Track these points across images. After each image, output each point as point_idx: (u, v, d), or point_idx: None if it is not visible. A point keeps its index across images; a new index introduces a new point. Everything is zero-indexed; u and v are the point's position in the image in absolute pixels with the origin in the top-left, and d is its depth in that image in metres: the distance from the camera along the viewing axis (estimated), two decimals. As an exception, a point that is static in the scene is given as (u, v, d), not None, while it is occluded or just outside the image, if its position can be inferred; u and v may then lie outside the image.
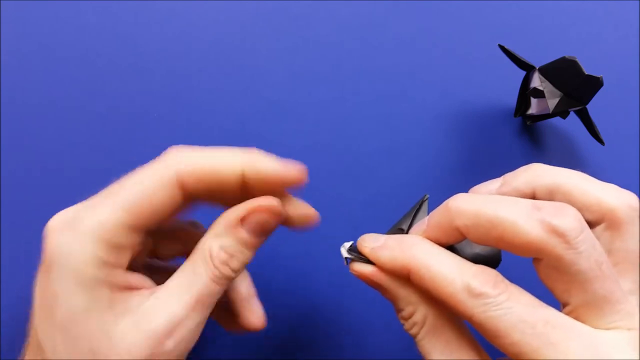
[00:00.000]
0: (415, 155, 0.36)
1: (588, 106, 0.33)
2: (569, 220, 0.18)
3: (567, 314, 0.19)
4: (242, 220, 0.21)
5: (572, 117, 0.35)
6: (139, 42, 0.36)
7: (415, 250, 0.20)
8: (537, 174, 0.23)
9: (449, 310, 0.20)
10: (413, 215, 0.24)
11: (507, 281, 0.19)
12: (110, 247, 0.20)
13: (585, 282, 0.18)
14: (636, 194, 0.34)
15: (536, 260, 0.19)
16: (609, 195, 0.21)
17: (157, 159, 0.22)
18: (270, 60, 0.37)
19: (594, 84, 0.31)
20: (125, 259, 0.21)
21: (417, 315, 0.21)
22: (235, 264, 0.21)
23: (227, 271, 0.21)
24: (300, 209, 0.25)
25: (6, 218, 0.31)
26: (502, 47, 0.35)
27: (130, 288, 0.21)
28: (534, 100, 0.34)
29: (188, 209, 0.24)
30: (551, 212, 0.18)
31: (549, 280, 0.19)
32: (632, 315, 0.18)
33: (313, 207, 0.25)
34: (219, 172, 0.21)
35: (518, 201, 0.19)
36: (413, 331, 0.21)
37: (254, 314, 0.25)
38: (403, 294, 0.21)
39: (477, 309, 0.18)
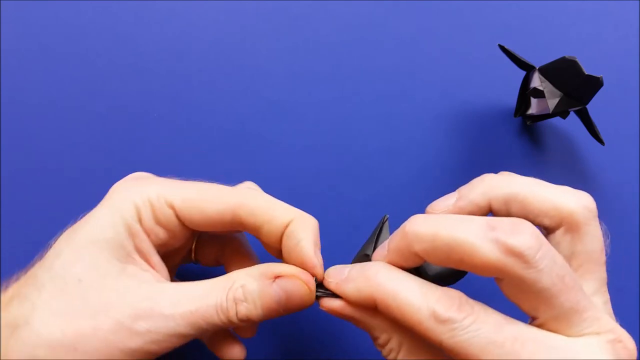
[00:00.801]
0: (415, 155, 0.36)
1: (588, 106, 0.33)
2: (525, 238, 0.17)
3: (537, 326, 0.19)
4: (277, 277, 0.22)
5: (572, 117, 0.35)
6: (139, 42, 0.36)
7: (378, 279, 0.20)
8: (492, 184, 0.22)
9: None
10: (375, 238, 0.23)
11: (472, 301, 0.19)
12: (152, 212, 0.22)
13: (550, 297, 0.18)
14: (636, 194, 0.34)
15: (498, 279, 0.19)
16: (565, 199, 0.21)
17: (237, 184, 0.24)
18: (270, 60, 0.37)
19: (594, 84, 0.31)
20: (159, 237, 0.23)
21: (392, 342, 0.21)
22: (242, 310, 0.21)
23: (231, 309, 0.21)
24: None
25: (6, 218, 0.31)
26: (502, 47, 0.35)
27: (150, 265, 0.22)
28: (534, 100, 0.34)
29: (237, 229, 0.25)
30: (507, 230, 0.18)
31: (514, 298, 0.19)
32: (599, 319, 0.19)
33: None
34: (267, 218, 0.23)
35: (473, 221, 0.19)
36: (390, 357, 0.21)
37: (234, 349, 0.26)
38: (375, 323, 0.21)
39: (445, 335, 0.18)
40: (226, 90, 0.36)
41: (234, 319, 0.21)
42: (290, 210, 0.23)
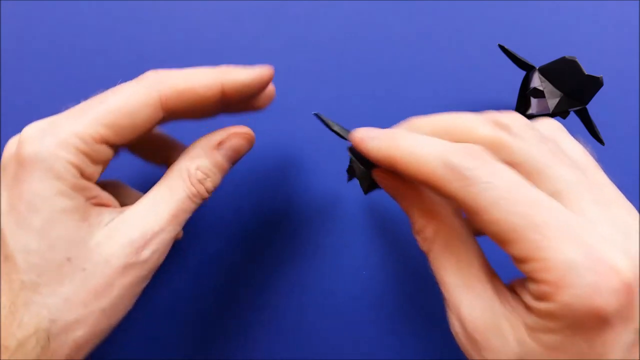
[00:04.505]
0: (415, 155, 0.36)
1: (588, 106, 0.33)
2: (516, 116, 0.20)
3: None
4: (219, 144, 0.23)
5: (572, 117, 0.35)
6: (139, 42, 0.36)
7: (399, 141, 0.20)
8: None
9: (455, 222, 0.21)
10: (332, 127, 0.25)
11: (493, 156, 0.18)
12: (88, 159, 0.20)
13: (545, 168, 0.18)
14: (636, 194, 0.34)
15: None
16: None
17: (136, 80, 0.22)
18: (270, 60, 0.37)
19: (594, 84, 0.31)
20: (98, 172, 0.22)
21: (428, 230, 0.21)
22: (209, 184, 0.23)
23: (202, 190, 0.23)
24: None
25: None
26: (502, 47, 0.35)
27: (102, 204, 0.22)
28: (534, 100, 0.34)
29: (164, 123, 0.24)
30: (499, 114, 0.20)
31: None
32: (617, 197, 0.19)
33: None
34: (201, 89, 0.22)
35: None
36: (424, 247, 0.21)
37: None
38: (417, 203, 0.21)
39: (455, 184, 0.17)
40: (226, 90, 0.36)
41: (205, 194, 0.23)
42: (213, 72, 0.23)
